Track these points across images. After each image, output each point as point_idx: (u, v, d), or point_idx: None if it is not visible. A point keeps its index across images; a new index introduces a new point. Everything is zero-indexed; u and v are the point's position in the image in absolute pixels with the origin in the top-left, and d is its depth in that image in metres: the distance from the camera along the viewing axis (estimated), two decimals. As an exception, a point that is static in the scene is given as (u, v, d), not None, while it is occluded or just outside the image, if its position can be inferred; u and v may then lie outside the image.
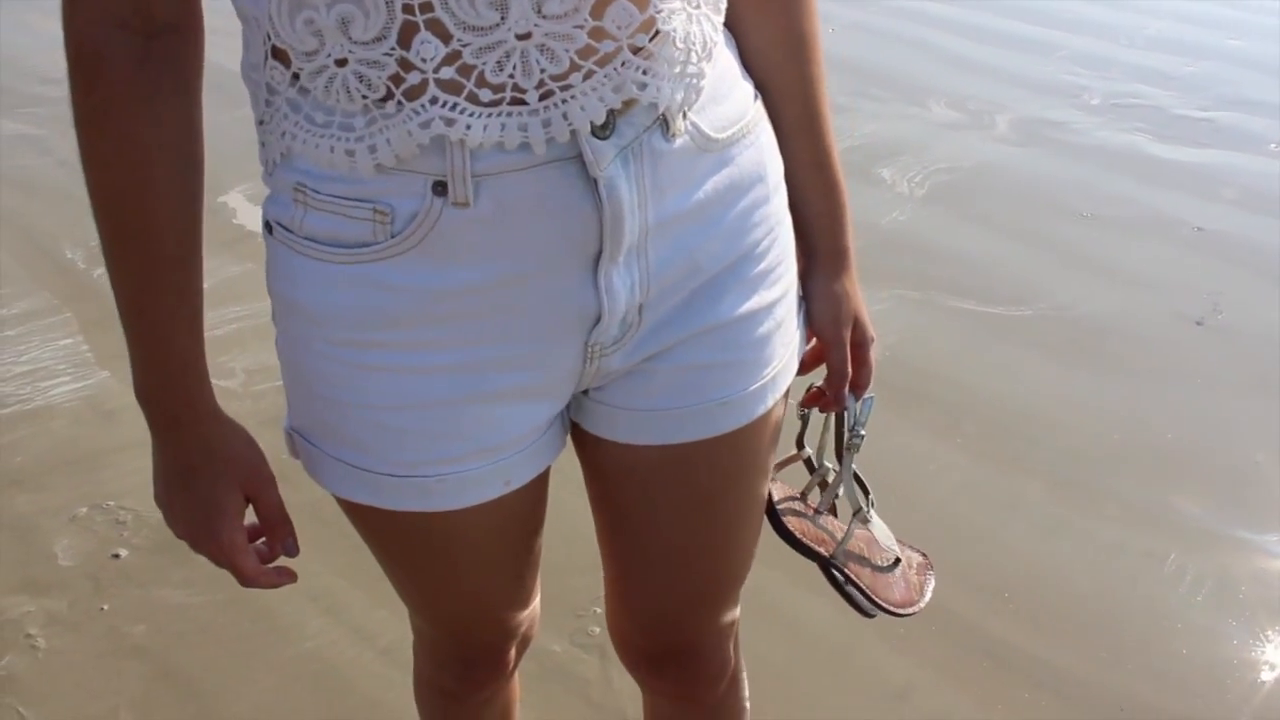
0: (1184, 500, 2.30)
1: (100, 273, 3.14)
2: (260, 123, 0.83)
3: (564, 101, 0.75)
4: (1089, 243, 3.38)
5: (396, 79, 0.74)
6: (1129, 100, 4.60)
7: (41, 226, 3.45)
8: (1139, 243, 3.39)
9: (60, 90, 4.12)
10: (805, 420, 1.16)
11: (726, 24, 0.89)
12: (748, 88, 0.91)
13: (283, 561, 0.96)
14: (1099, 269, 3.22)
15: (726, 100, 0.86)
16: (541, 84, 0.74)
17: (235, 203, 3.55)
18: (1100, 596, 2.06)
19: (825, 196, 1.00)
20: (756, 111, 0.91)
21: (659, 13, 0.76)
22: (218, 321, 2.79)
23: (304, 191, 0.80)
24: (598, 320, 0.85)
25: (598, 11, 0.73)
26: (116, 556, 2.17)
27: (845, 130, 4.06)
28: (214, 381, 0.92)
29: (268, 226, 0.86)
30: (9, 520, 2.25)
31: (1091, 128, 4.28)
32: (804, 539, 1.13)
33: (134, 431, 2.48)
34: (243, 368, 2.59)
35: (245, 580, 0.93)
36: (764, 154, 0.91)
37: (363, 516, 0.96)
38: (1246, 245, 3.38)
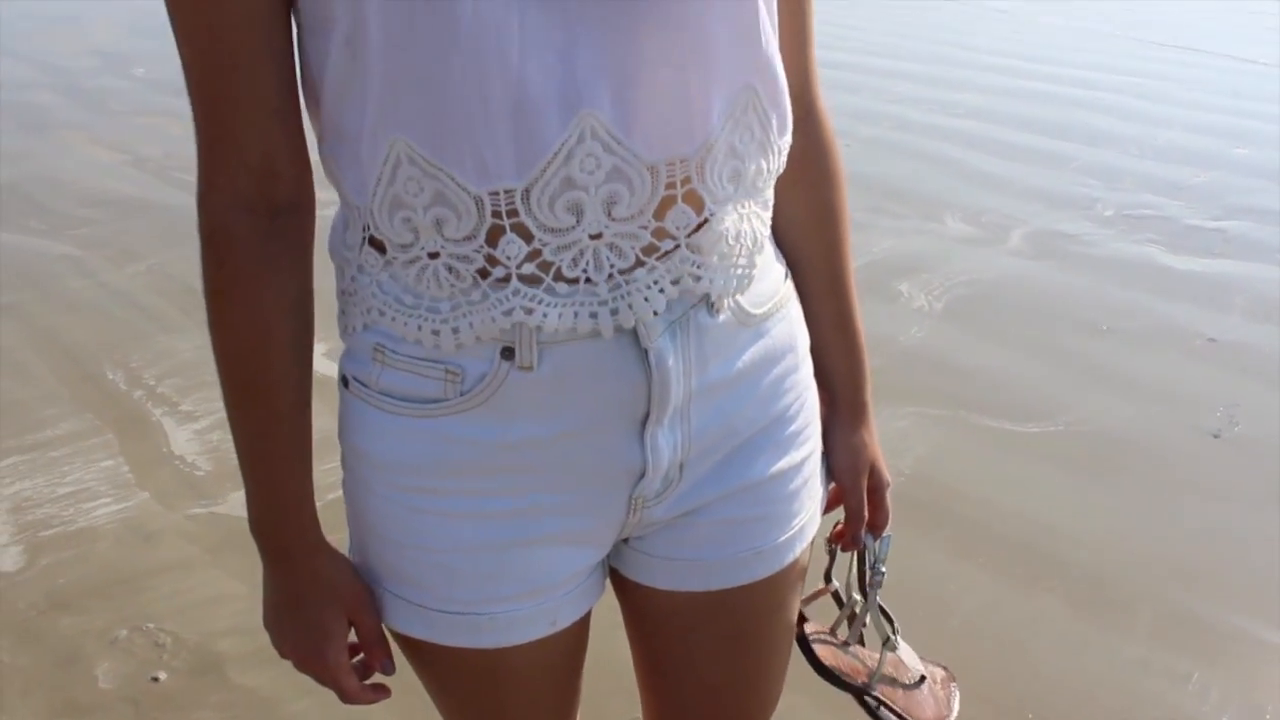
0: (1207, 614, 2.33)
1: (140, 393, 3.26)
2: (345, 293, 0.92)
3: (629, 293, 0.84)
4: (1104, 355, 3.44)
5: (483, 272, 0.83)
6: (1140, 211, 4.71)
7: (84, 348, 3.57)
8: (1153, 355, 3.45)
9: (102, 213, 4.30)
10: (833, 556, 1.22)
11: None
12: (780, 265, 0.99)
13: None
14: (1115, 382, 3.28)
15: (764, 279, 0.95)
16: (610, 276, 0.84)
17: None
18: (1125, 713, 2.08)
19: (847, 355, 1.08)
20: (788, 288, 0.99)
21: (713, 215, 0.85)
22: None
23: (383, 352, 0.89)
24: (642, 475, 0.93)
25: (660, 214, 0.83)
26: (156, 680, 2.21)
27: (863, 246, 4.17)
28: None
29: (344, 381, 0.94)
30: (52, 643, 2.31)
31: (1104, 239, 4.37)
32: (837, 670, 1.19)
33: (173, 554, 2.55)
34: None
35: (347, 698, 1.00)
36: (794, 326, 0.99)
37: (416, 650, 1.03)
38: (1259, 355, 3.43)
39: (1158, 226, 4.54)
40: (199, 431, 3.04)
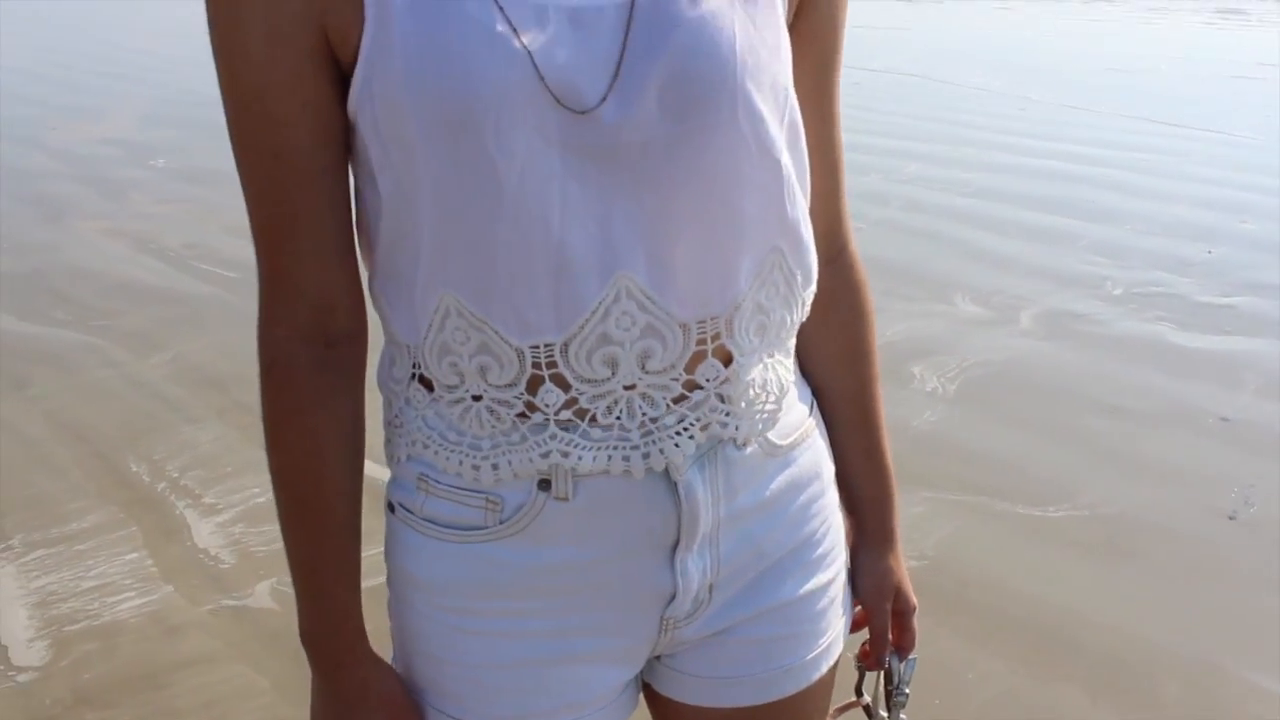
0: (1227, 698, 2.33)
1: (163, 485, 3.30)
2: (392, 424, 0.97)
3: (660, 439, 0.89)
4: (1117, 437, 3.47)
5: (523, 416, 0.88)
6: (1149, 289, 4.76)
7: (109, 439, 3.62)
8: (1166, 435, 3.48)
9: (125, 303, 4.38)
10: (862, 671, 1.25)
11: None
12: (806, 396, 1.04)
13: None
14: (1129, 464, 3.30)
15: (790, 412, 0.99)
16: (642, 424, 0.89)
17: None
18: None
19: (875, 483, 1.11)
20: (814, 418, 1.04)
21: (740, 366, 0.91)
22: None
23: (427, 481, 0.94)
24: (673, 598, 0.97)
25: (690, 367, 0.88)
26: (182, 777, 2.23)
27: (877, 329, 4.21)
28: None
29: (390, 506, 0.99)
30: (78, 740, 2.33)
31: (1114, 318, 4.42)
32: None
33: (197, 648, 2.57)
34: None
35: None
36: (820, 454, 1.04)
37: None
38: (1272, 435, 3.46)
39: (1167, 304, 4.58)
40: (221, 525, 3.07)
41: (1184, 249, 5.28)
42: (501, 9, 0.79)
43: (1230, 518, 3.01)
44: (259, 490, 3.22)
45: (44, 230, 6.10)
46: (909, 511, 2.89)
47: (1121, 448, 3.40)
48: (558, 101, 0.80)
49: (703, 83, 0.82)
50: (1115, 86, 9.26)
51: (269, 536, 2.95)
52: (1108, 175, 6.45)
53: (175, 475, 3.37)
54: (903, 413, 3.55)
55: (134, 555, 2.97)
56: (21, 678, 2.49)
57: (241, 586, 2.79)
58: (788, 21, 0.89)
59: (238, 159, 0.87)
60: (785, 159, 0.88)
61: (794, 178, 0.89)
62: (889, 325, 4.29)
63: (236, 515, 3.11)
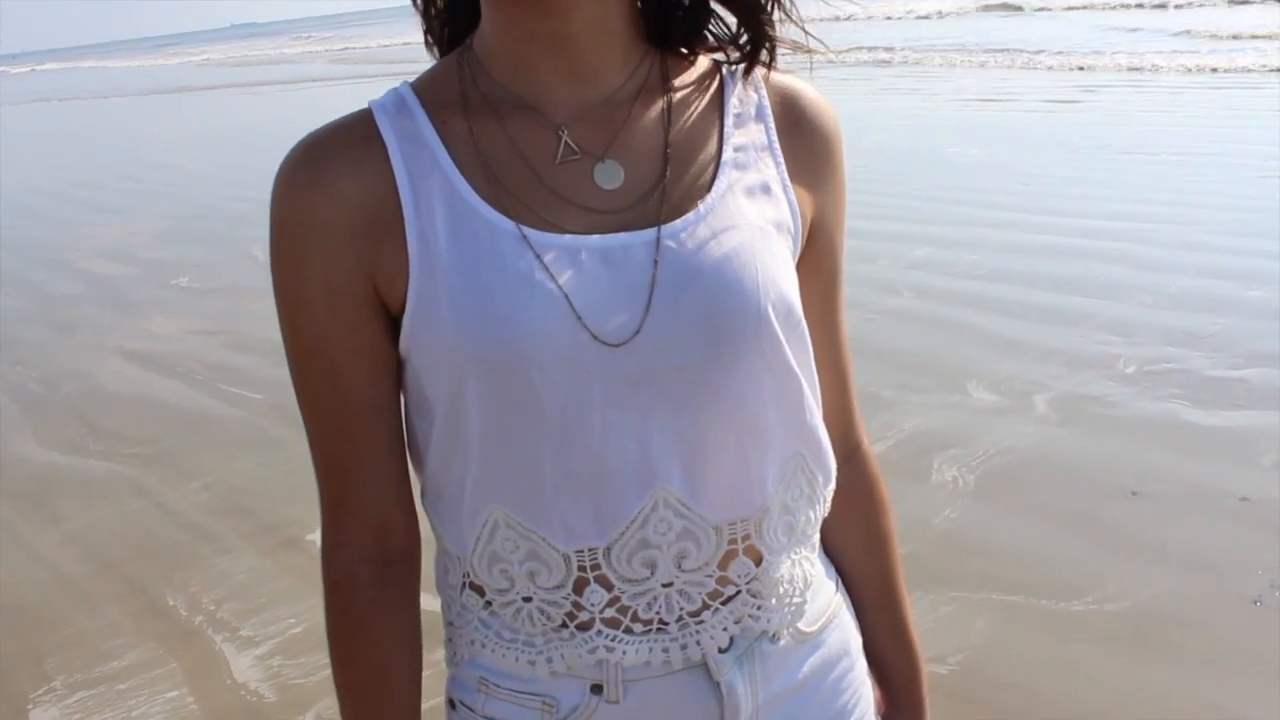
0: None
1: (201, 619, 3.36)
2: (451, 624, 1.04)
3: (697, 632, 0.96)
4: (1138, 523, 3.50)
5: (570, 615, 0.95)
6: (1161, 365, 4.80)
7: (146, 573, 3.69)
8: (1187, 519, 3.50)
9: (155, 430, 4.50)
10: None
11: None
12: (830, 582, 1.10)
13: None
14: (1151, 551, 3.33)
15: (816, 599, 1.06)
16: (680, 618, 0.96)
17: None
18: None
19: (903, 660, 1.18)
20: (839, 599, 1.10)
21: (770, 564, 0.98)
22: (313, 667, 2.97)
23: (486, 684, 1.00)
24: None
25: (723, 565, 0.95)
26: None
27: (892, 425, 4.29)
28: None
29: (451, 703, 1.05)
30: None
31: (1128, 398, 4.46)
32: None
33: (243, 789, 2.62)
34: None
35: None
36: (847, 630, 1.10)
37: None
38: (1293, 514, 3.48)
39: (1180, 380, 4.62)
40: (260, 657, 3.12)
41: (1192, 321, 5.33)
42: (537, 254, 0.88)
43: (1256, 602, 3.03)
44: (294, 621, 3.28)
45: (73, 357, 6.24)
46: (936, 613, 2.93)
47: (1143, 534, 3.43)
48: (595, 337, 0.87)
49: (731, 315, 0.89)
50: (1112, 157, 9.37)
51: (307, 669, 3.00)
52: (1112, 249, 6.52)
53: (212, 608, 3.43)
54: (924, 510, 3.60)
55: (174, 693, 3.03)
56: (72, 828, 2.54)
57: (282, 721, 2.83)
58: (795, 257, 0.97)
59: (300, 399, 0.96)
60: (801, 374, 0.96)
61: (809, 389, 0.97)
62: (905, 419, 4.34)
63: (274, 647, 3.16)
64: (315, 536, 3.71)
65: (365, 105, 0.95)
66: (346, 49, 40.11)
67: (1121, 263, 6.27)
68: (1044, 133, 10.82)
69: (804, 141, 1.00)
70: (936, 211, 7.70)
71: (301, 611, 3.31)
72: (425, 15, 1.02)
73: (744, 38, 0.98)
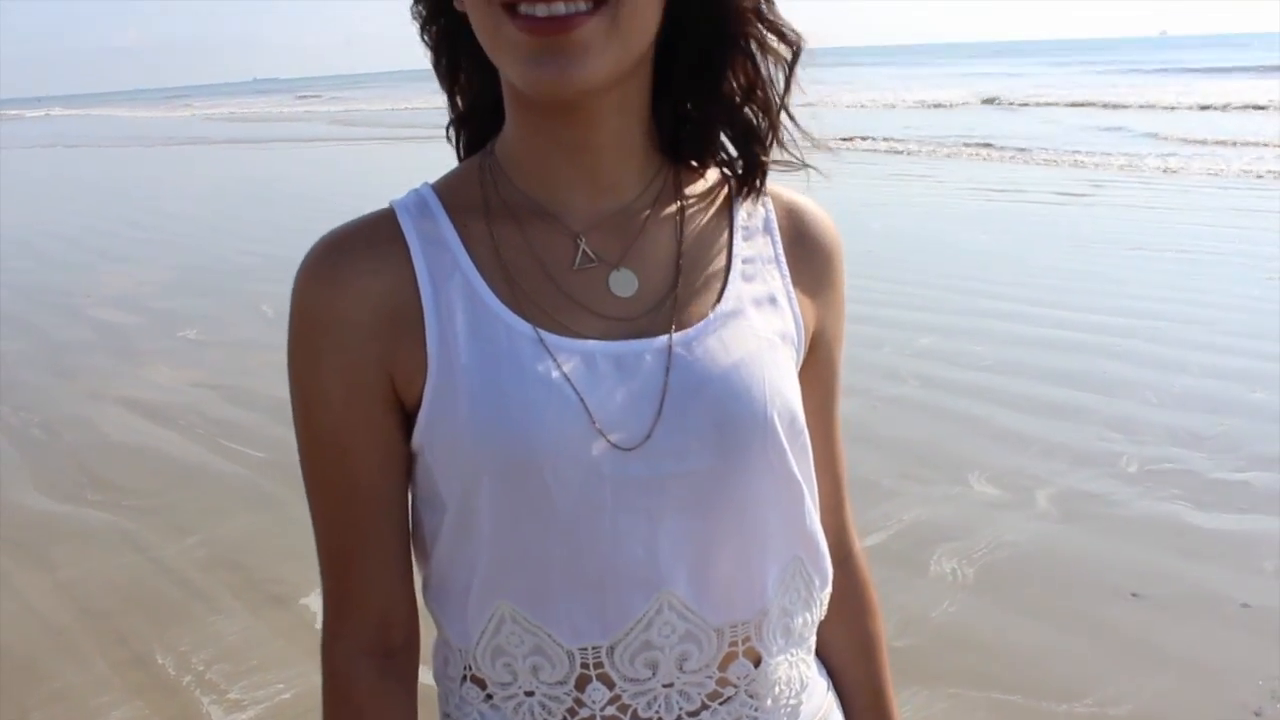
0: None
1: (189, 679, 3.33)
2: (447, 715, 1.04)
3: None
4: (1137, 626, 3.48)
5: (571, 711, 0.95)
6: (1164, 465, 4.80)
7: (136, 629, 3.66)
8: (1187, 624, 3.48)
9: (154, 482, 4.51)
10: None
11: None
12: (823, 680, 1.11)
13: None
14: (1150, 656, 3.30)
15: (811, 698, 1.07)
16: (679, 717, 0.96)
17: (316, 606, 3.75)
18: None
19: None
20: (830, 698, 1.11)
21: (768, 665, 0.99)
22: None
23: None
24: None
25: (723, 666, 0.96)
26: None
27: (893, 515, 4.27)
28: None
29: None
30: None
31: (1130, 498, 4.45)
32: None
33: None
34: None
35: None
36: None
37: None
38: (1294, 622, 3.46)
39: (1182, 481, 4.62)
40: (247, 722, 3.09)
41: (1195, 421, 5.33)
42: (554, 358, 0.90)
43: (1256, 715, 3.00)
44: (283, 686, 3.25)
45: (76, 404, 6.24)
46: (930, 709, 2.90)
47: (1142, 638, 3.41)
48: (608, 442, 0.89)
49: (739, 423, 0.92)
50: (1118, 251, 9.45)
51: (295, 736, 2.97)
52: (1117, 344, 6.55)
53: (201, 668, 3.40)
54: (922, 603, 3.58)
55: (160, 755, 2.99)
56: None
57: (267, 791, 2.80)
58: (797, 366, 1.00)
59: (309, 490, 0.97)
60: (803, 480, 0.98)
61: (809, 495, 0.99)
62: (906, 510, 4.34)
63: (263, 712, 3.13)
64: (309, 600, 3.71)
65: (387, 205, 0.98)
66: (348, 110, 40.75)
67: (1126, 359, 6.30)
68: (1051, 225, 10.92)
69: (808, 256, 1.03)
70: (943, 300, 7.74)
71: (291, 677, 3.28)
72: (450, 107, 1.05)
73: (739, 161, 1.01)
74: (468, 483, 0.91)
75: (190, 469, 5.13)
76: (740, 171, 1.01)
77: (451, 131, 1.05)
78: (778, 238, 1.02)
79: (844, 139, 17.37)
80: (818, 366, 1.05)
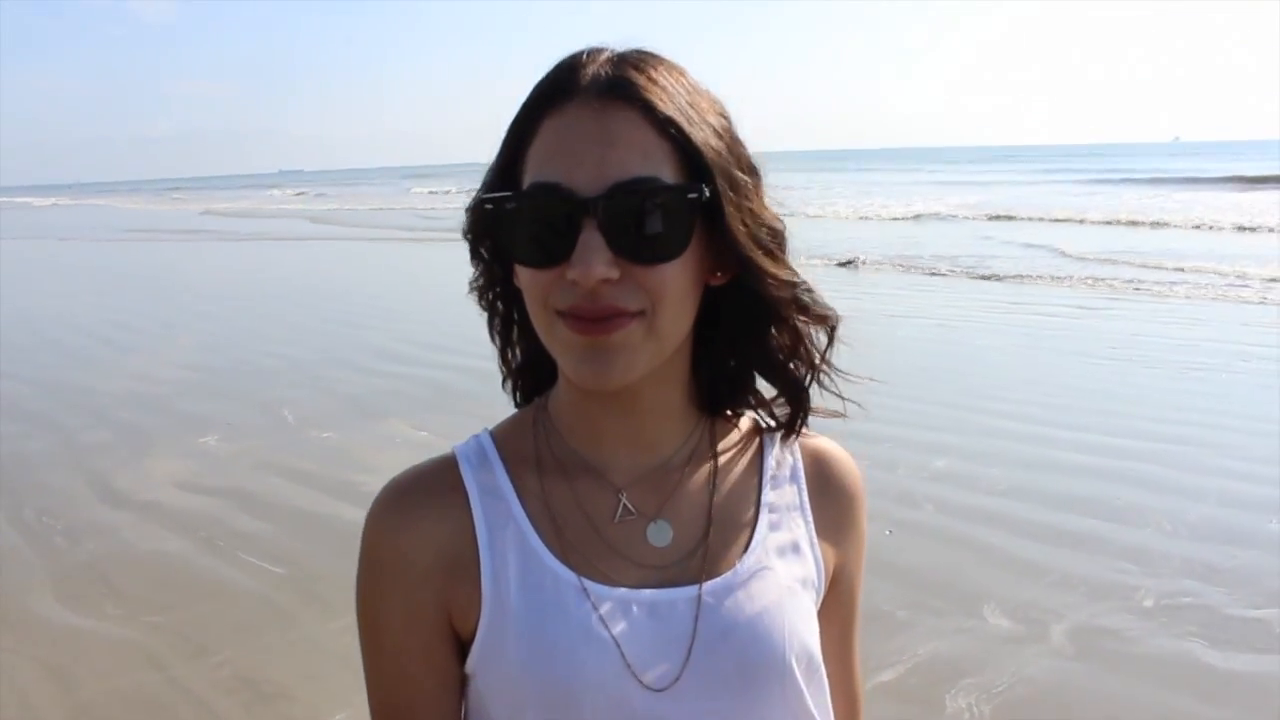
0: None
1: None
2: None
3: None
4: (1154, 773, 3.47)
5: None
6: (1180, 599, 4.80)
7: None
8: (1205, 773, 3.47)
9: (175, 597, 4.57)
10: None
11: None
12: None
13: None
14: (1167, 806, 3.29)
15: None
16: None
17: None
18: None
19: None
20: None
21: None
22: None
23: None
24: None
25: None
26: None
27: (907, 649, 4.28)
28: None
29: None
30: None
31: (1146, 634, 4.45)
32: None
33: None
34: None
35: None
36: None
37: None
38: (1312, 775, 3.44)
39: (1198, 617, 4.62)
40: None
41: (1212, 553, 5.33)
42: (594, 605, 1.00)
43: None
44: (301, 817, 3.26)
45: (98, 511, 6.30)
46: None
47: (1159, 785, 3.40)
48: (640, 683, 0.99)
49: (759, 667, 1.01)
50: (1135, 370, 9.51)
51: None
52: (1133, 469, 6.56)
53: (219, 796, 3.41)
54: (937, 745, 3.58)
55: None
56: None
57: None
58: (817, 605, 1.10)
59: (373, 707, 1.07)
60: (818, 715, 1.06)
61: (816, 710, 1.07)
62: (919, 644, 4.34)
63: (277, 845, 3.14)
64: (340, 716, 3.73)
65: (450, 451, 1.09)
66: (330, 210, 41.63)
67: (1142, 485, 6.31)
68: (1069, 341, 10.99)
69: (831, 501, 1.14)
70: (958, 421, 7.78)
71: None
72: (503, 360, 1.15)
73: (783, 407, 1.12)
74: (514, 712, 1.00)
75: (211, 585, 5.15)
76: (776, 421, 1.12)
77: (509, 385, 1.16)
78: (803, 484, 1.12)
79: (842, 263, 17.70)
80: (838, 602, 1.15)
